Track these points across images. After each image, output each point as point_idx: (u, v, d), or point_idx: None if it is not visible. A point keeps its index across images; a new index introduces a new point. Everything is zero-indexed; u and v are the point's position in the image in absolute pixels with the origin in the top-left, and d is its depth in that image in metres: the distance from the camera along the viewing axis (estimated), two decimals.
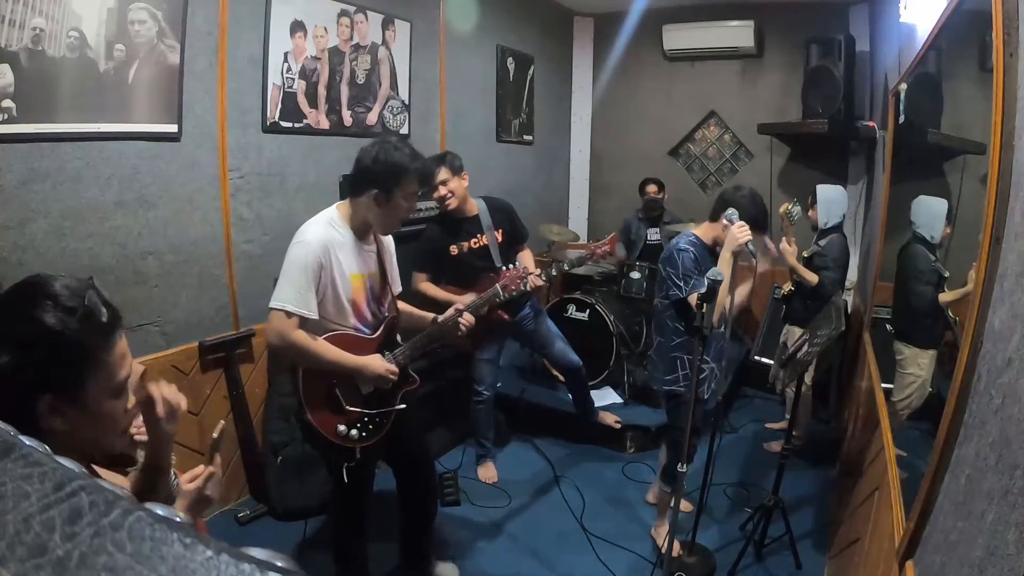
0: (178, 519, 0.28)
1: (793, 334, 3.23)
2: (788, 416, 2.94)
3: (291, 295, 1.73)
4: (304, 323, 1.75)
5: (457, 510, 2.83)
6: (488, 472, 3.16)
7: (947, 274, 1.72)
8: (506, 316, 2.74)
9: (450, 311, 2.10)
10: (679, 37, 4.76)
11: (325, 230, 1.80)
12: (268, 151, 2.79)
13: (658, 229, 4.33)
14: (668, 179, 4.54)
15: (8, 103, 1.90)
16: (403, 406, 1.96)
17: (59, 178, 2.07)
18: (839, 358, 3.73)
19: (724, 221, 2.28)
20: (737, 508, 2.93)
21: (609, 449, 3.46)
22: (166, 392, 0.99)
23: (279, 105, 2.80)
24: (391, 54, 3.37)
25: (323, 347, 1.78)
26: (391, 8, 3.32)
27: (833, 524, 2.65)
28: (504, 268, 2.35)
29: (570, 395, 3.44)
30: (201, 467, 1.06)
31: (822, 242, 3.19)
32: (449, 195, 2.74)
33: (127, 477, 1.04)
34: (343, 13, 3.05)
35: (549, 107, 5.04)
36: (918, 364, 1.89)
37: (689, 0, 4.60)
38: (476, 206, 2.87)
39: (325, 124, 3.05)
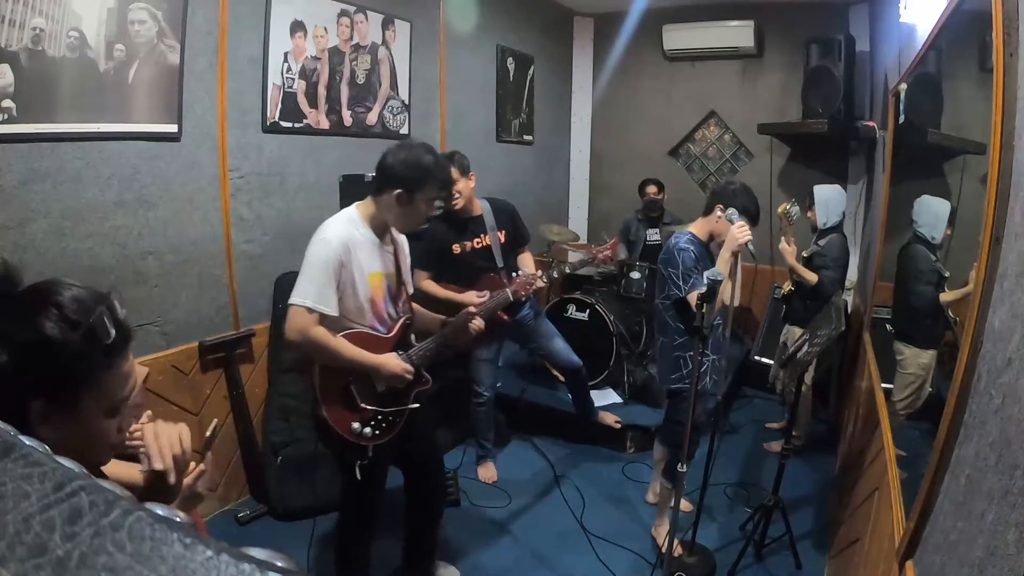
0: (178, 519, 0.28)
1: (793, 334, 3.23)
2: (788, 416, 2.94)
3: (312, 291, 1.75)
4: (323, 320, 1.77)
5: (457, 510, 2.84)
6: (488, 472, 3.16)
7: (947, 274, 1.72)
8: (505, 316, 2.74)
9: (462, 314, 2.13)
10: (679, 37, 4.76)
11: (346, 228, 1.83)
12: (268, 151, 2.79)
13: (658, 229, 4.33)
14: (668, 179, 4.54)
15: (8, 103, 1.90)
16: (416, 405, 1.98)
17: (59, 178, 2.07)
18: (839, 358, 3.73)
19: (718, 214, 2.32)
20: (737, 508, 2.93)
21: (609, 449, 3.46)
22: (164, 440, 0.94)
23: (279, 105, 2.80)
24: (391, 54, 3.37)
25: (342, 344, 1.80)
26: (391, 8, 3.32)
27: (833, 524, 2.65)
28: (515, 274, 2.41)
29: (570, 395, 3.44)
30: (192, 463, 1.04)
31: (822, 242, 3.19)
32: (456, 195, 2.74)
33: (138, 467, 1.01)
34: (343, 13, 3.05)
35: (549, 107, 5.04)
36: (918, 364, 1.88)
37: (689, 0, 4.60)
38: (480, 206, 2.88)
39: (325, 124, 3.05)
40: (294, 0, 2.79)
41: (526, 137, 4.77)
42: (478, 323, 2.12)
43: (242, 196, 2.70)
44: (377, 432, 1.90)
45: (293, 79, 2.85)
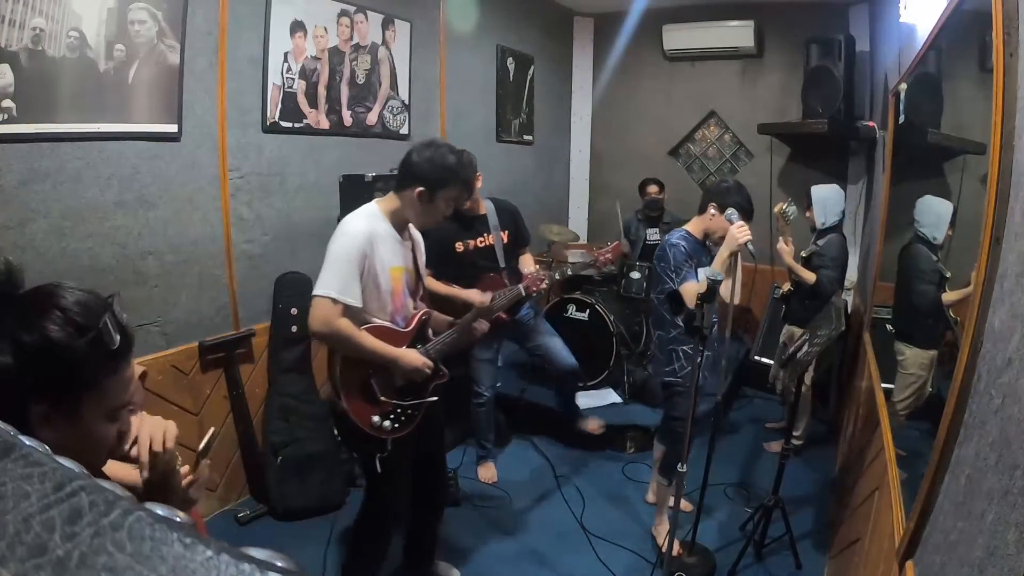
0: (178, 519, 0.28)
1: (793, 334, 3.23)
2: (788, 416, 2.94)
3: (336, 283, 1.78)
4: (346, 312, 1.79)
5: (457, 510, 2.84)
6: (488, 472, 3.16)
7: (949, 274, 1.72)
8: (504, 316, 2.75)
9: (479, 306, 2.18)
10: (679, 37, 4.76)
11: (368, 223, 1.86)
12: (268, 151, 2.79)
13: (657, 229, 4.33)
14: (668, 179, 4.54)
15: (8, 103, 1.90)
16: (435, 398, 2.01)
17: (59, 178, 2.06)
18: (839, 358, 3.73)
19: (711, 212, 2.35)
20: (737, 508, 2.93)
21: (609, 449, 3.46)
22: (145, 434, 0.94)
23: (279, 105, 2.80)
24: (391, 54, 3.37)
25: (364, 336, 1.83)
26: (391, 8, 3.32)
27: (833, 524, 2.65)
28: (528, 271, 2.45)
29: (558, 396, 3.42)
30: (187, 468, 1.04)
31: (820, 242, 3.19)
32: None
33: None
34: (343, 13, 3.05)
35: (549, 107, 5.04)
36: (919, 364, 1.88)
37: (689, 0, 4.60)
38: (484, 206, 2.88)
39: (325, 124, 3.05)
40: (294, 0, 2.79)
41: (526, 137, 4.77)
42: (482, 326, 2.17)
43: (242, 196, 2.70)
44: (396, 425, 1.92)
45: (293, 79, 2.85)
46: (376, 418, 1.89)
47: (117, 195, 2.24)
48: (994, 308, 0.98)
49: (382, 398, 1.90)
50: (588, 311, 3.76)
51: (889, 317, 2.50)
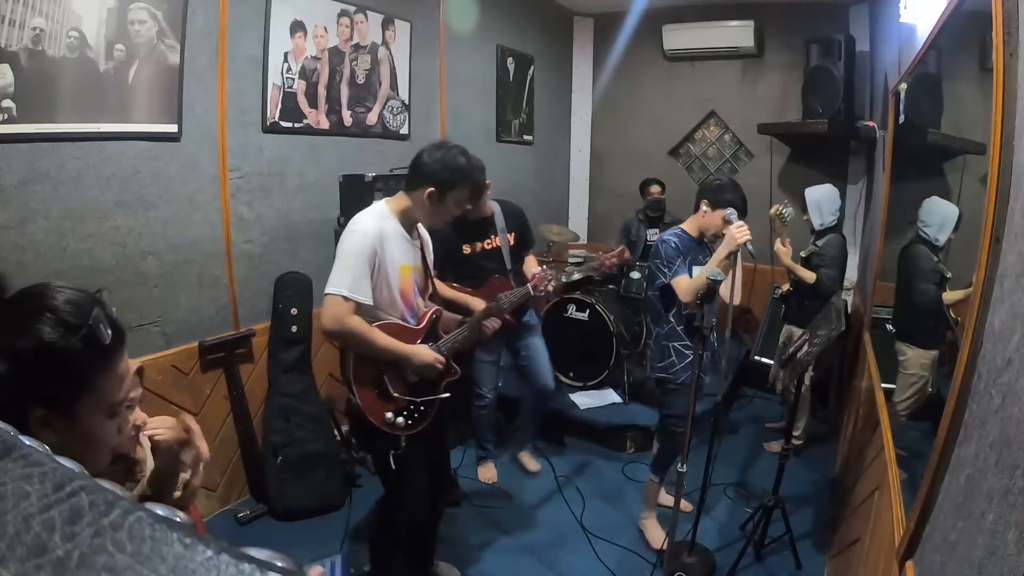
0: (178, 519, 0.28)
1: (792, 334, 3.23)
2: (788, 416, 2.94)
3: (347, 281, 1.79)
4: (358, 309, 1.80)
5: (457, 510, 2.84)
6: (488, 472, 3.16)
7: (949, 275, 1.72)
8: (510, 317, 2.73)
9: (488, 305, 2.20)
10: (679, 37, 4.76)
11: (378, 221, 1.87)
12: (268, 151, 2.79)
13: (657, 229, 4.33)
14: (668, 179, 4.54)
15: (8, 103, 1.90)
16: (448, 395, 2.03)
17: (59, 178, 2.07)
18: (839, 358, 3.73)
19: (704, 209, 2.35)
20: (737, 508, 2.93)
21: (609, 449, 3.46)
22: (161, 426, 0.95)
23: (279, 105, 2.80)
24: (391, 54, 3.37)
25: (376, 333, 1.84)
26: (391, 8, 3.32)
27: (833, 524, 2.65)
28: (537, 270, 2.44)
29: (523, 411, 3.32)
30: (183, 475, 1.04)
31: (820, 242, 3.19)
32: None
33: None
34: (343, 13, 3.05)
35: (549, 107, 5.03)
36: (921, 365, 1.88)
37: (689, 0, 4.60)
38: (491, 208, 2.87)
39: (325, 124, 3.05)
40: (294, 0, 2.79)
41: (526, 137, 4.77)
42: (493, 323, 2.18)
43: (242, 196, 2.70)
44: (410, 421, 1.94)
45: (293, 79, 2.85)
46: (390, 415, 1.90)
47: (117, 195, 2.24)
48: (994, 308, 0.98)
49: (395, 395, 1.91)
50: (588, 311, 3.76)
51: (889, 317, 2.50)
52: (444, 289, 2.71)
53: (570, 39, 5.28)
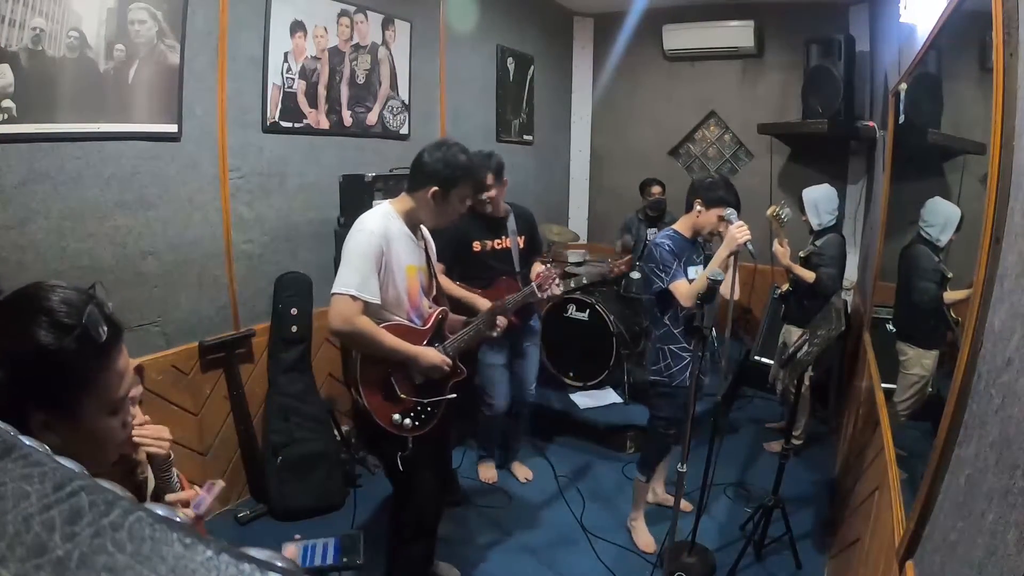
0: (178, 519, 0.28)
1: (791, 333, 3.24)
2: (788, 416, 2.94)
3: (355, 280, 1.78)
4: (366, 309, 1.80)
5: (457, 510, 2.84)
6: (488, 472, 3.16)
7: (950, 275, 1.72)
8: (515, 319, 2.70)
9: (495, 304, 2.20)
10: (679, 37, 4.76)
11: (383, 221, 1.87)
12: (268, 151, 2.79)
13: (657, 229, 4.33)
14: (668, 179, 4.54)
15: (8, 103, 1.90)
16: (454, 395, 2.03)
17: (59, 178, 2.07)
18: (839, 358, 3.73)
19: (697, 209, 2.33)
20: (737, 508, 2.93)
21: (609, 449, 3.46)
22: (144, 436, 0.97)
23: (279, 105, 2.80)
24: (391, 54, 3.37)
25: (384, 334, 1.84)
26: (391, 8, 3.32)
27: (833, 524, 2.65)
28: (542, 268, 2.40)
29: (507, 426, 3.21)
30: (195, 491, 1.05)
31: (819, 242, 3.19)
32: (489, 200, 2.70)
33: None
34: (343, 13, 3.05)
35: (549, 107, 5.03)
36: (922, 365, 1.88)
37: (689, 0, 4.60)
38: (506, 208, 2.84)
39: (325, 124, 3.05)
40: (294, 0, 2.79)
41: (526, 137, 4.77)
42: (503, 321, 2.19)
43: (242, 196, 2.70)
44: (417, 423, 1.93)
45: (293, 79, 2.85)
46: (397, 416, 1.90)
47: (117, 195, 2.24)
48: (994, 308, 0.98)
49: (402, 396, 1.91)
50: (588, 311, 3.76)
51: (889, 317, 2.50)
52: (451, 287, 2.70)
53: (570, 39, 5.28)
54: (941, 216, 1.88)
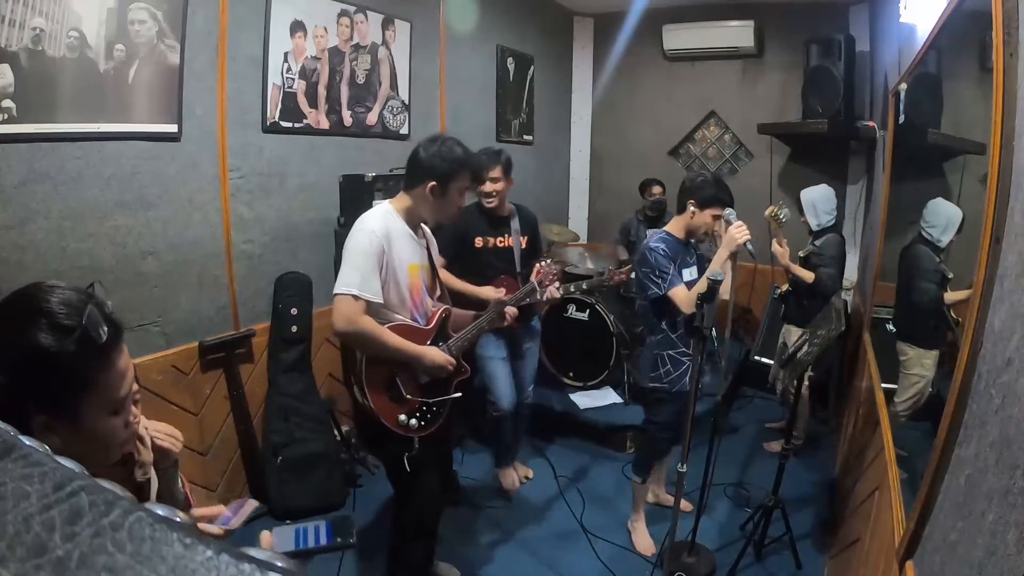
0: (178, 519, 0.28)
1: (791, 333, 3.24)
2: (788, 416, 2.95)
3: (356, 280, 1.77)
4: (368, 309, 1.79)
5: (457, 510, 2.84)
6: (510, 477, 3.03)
7: (951, 275, 1.72)
8: (515, 322, 2.67)
9: (496, 302, 2.21)
10: (679, 37, 4.76)
11: (384, 220, 1.87)
12: (268, 151, 2.78)
13: (657, 229, 4.33)
14: (668, 179, 4.53)
15: (8, 103, 1.90)
16: (459, 395, 2.02)
17: (59, 178, 2.06)
18: (839, 358, 3.73)
19: (691, 210, 2.29)
20: (737, 508, 2.94)
21: (609, 449, 3.46)
22: (159, 431, 0.97)
23: (279, 105, 2.80)
24: (391, 54, 3.37)
25: (387, 334, 1.83)
26: (391, 8, 3.32)
27: (833, 524, 2.65)
28: (541, 264, 2.41)
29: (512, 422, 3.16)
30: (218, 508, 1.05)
31: (818, 242, 3.19)
32: (495, 194, 2.70)
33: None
34: (343, 13, 3.05)
35: (549, 107, 5.03)
36: (922, 365, 1.88)
37: (689, 0, 4.60)
38: (510, 208, 2.84)
39: (325, 124, 3.05)
40: (294, 0, 2.79)
41: (526, 137, 4.77)
42: (512, 311, 2.18)
43: (242, 196, 2.70)
44: (423, 423, 1.93)
45: (293, 79, 2.85)
46: (403, 416, 1.89)
47: (117, 195, 2.24)
48: (994, 308, 0.98)
49: (408, 396, 1.90)
50: (588, 311, 3.76)
51: (889, 317, 2.50)
52: (452, 281, 2.68)
53: (570, 39, 5.28)
54: (943, 217, 1.88)
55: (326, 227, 3.07)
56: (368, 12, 3.18)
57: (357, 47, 3.16)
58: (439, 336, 2.01)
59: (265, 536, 0.80)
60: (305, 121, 2.94)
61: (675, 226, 2.39)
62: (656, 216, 4.37)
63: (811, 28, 4.23)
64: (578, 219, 5.54)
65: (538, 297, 2.40)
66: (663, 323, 2.37)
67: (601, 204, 5.47)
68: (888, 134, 2.94)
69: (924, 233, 1.92)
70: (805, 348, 2.40)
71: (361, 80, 3.21)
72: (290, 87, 2.84)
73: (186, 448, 2.51)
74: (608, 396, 3.72)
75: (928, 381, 1.82)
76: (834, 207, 3.21)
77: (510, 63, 4.46)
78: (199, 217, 2.53)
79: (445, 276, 2.74)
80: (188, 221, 2.49)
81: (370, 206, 2.16)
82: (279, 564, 0.27)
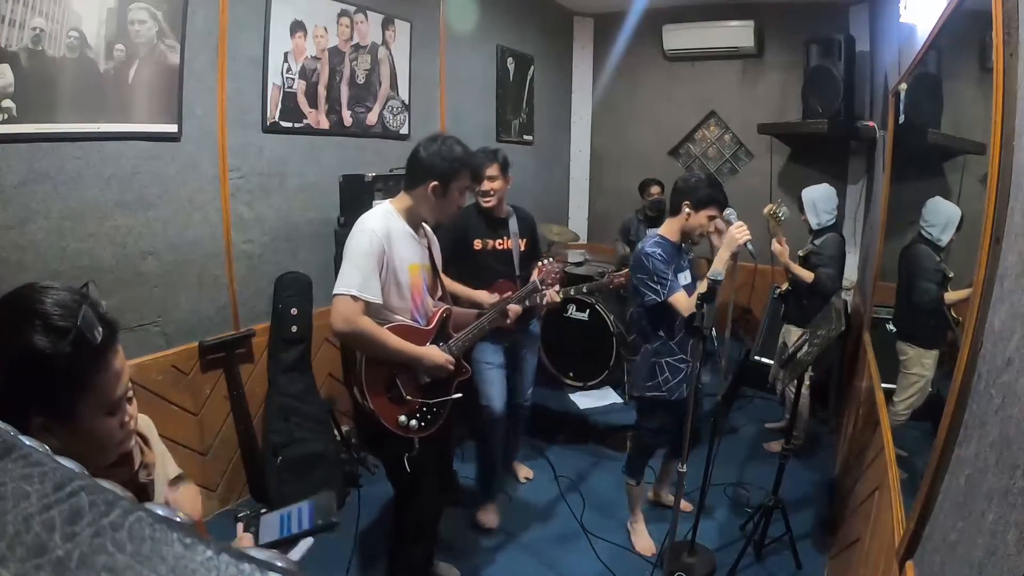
0: (178, 519, 0.28)
1: (791, 333, 3.23)
2: (788, 416, 2.95)
3: (356, 280, 1.76)
4: (367, 309, 1.79)
5: (457, 510, 2.83)
6: (488, 516, 2.80)
7: (951, 275, 1.72)
8: (513, 326, 2.64)
9: (498, 301, 2.22)
10: (679, 37, 4.76)
11: (384, 220, 1.86)
12: (268, 151, 2.78)
13: (654, 230, 4.32)
14: (668, 179, 4.50)
15: (8, 103, 1.90)
16: (459, 395, 2.01)
17: (59, 178, 2.07)
18: (839, 358, 3.73)
19: (686, 211, 2.26)
20: (737, 508, 2.93)
21: (609, 449, 3.46)
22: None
23: (279, 105, 2.80)
24: (391, 54, 3.37)
25: (387, 334, 1.82)
26: (391, 8, 3.32)
27: (833, 524, 2.65)
28: (542, 263, 2.39)
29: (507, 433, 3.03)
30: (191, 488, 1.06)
31: (817, 241, 3.19)
32: (492, 192, 2.66)
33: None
34: (343, 13, 3.05)
35: (549, 107, 5.03)
36: (922, 364, 1.88)
37: (689, 0, 4.60)
38: (508, 210, 2.80)
39: (325, 124, 3.05)
40: (294, 0, 2.79)
41: (526, 137, 4.77)
42: (515, 309, 2.17)
43: (242, 196, 2.70)
44: (423, 424, 1.92)
45: (293, 79, 2.85)
46: (403, 417, 1.88)
47: (117, 195, 2.24)
48: (994, 308, 0.98)
49: (408, 397, 1.89)
50: (588, 311, 3.76)
51: (889, 317, 2.50)
52: (450, 283, 2.67)
53: (570, 39, 5.28)
54: (943, 216, 1.88)
55: (326, 227, 3.07)
56: (368, 12, 3.18)
57: (357, 47, 3.16)
58: (439, 336, 2.00)
59: (244, 538, 0.81)
60: (305, 121, 2.94)
61: (669, 228, 2.33)
62: (656, 216, 4.36)
63: (811, 28, 4.23)
64: (578, 219, 5.54)
65: (540, 297, 2.38)
66: (660, 330, 2.33)
67: (601, 204, 5.47)
68: (888, 134, 2.94)
69: (924, 232, 1.92)
70: (805, 348, 2.40)
71: (361, 80, 3.21)
72: (290, 87, 2.84)
73: (186, 448, 2.53)
74: (608, 396, 3.72)
75: (928, 381, 1.82)
76: (835, 207, 3.21)
77: (510, 63, 4.46)
78: (199, 217, 2.53)
79: (443, 279, 2.74)
80: (188, 221, 2.49)
81: (370, 206, 2.15)
82: (279, 564, 0.27)
